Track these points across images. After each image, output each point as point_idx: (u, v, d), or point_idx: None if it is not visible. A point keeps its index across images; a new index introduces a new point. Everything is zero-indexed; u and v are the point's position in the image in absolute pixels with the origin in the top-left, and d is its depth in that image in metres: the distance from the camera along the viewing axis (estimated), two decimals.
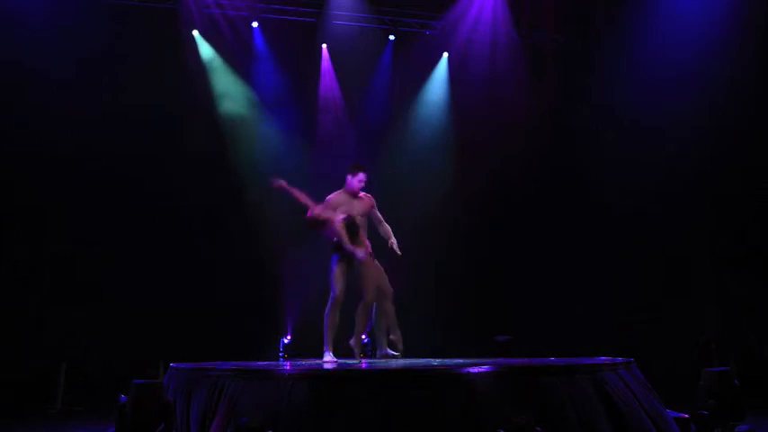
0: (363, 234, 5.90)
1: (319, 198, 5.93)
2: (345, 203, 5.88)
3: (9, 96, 8.53)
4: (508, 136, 10.04)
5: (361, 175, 5.96)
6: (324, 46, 10.27)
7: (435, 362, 5.29)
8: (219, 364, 4.80)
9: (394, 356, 5.92)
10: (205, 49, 9.75)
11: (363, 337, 7.32)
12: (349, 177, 5.97)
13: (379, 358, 5.99)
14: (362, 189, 6.02)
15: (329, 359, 5.65)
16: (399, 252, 5.94)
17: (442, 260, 9.76)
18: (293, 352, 8.84)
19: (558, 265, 9.70)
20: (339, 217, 5.72)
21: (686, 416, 4.57)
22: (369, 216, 6.05)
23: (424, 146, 10.28)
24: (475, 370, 3.77)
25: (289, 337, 9.20)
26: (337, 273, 5.77)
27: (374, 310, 6.00)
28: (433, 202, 9.83)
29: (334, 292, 5.76)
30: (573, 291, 9.42)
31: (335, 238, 5.78)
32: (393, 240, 5.98)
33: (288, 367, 4.48)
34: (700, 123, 9.05)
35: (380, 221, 6.11)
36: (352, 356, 6.01)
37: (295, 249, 9.65)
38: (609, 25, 9.97)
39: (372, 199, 6.10)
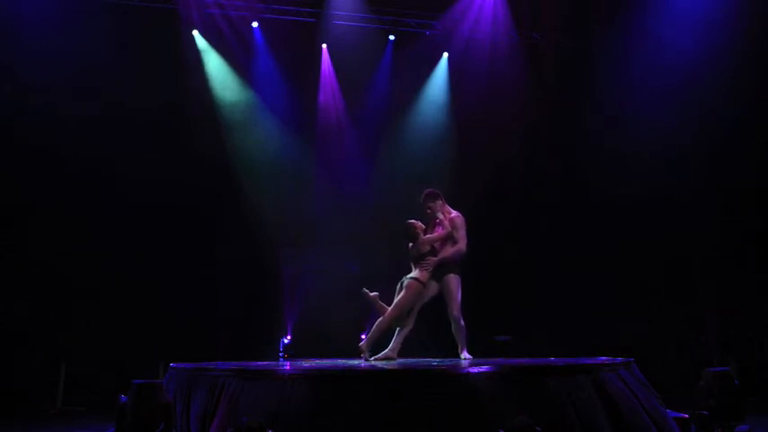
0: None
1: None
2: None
3: (8, 97, 8.52)
4: (508, 136, 10.04)
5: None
6: (324, 46, 10.27)
7: (435, 362, 5.29)
8: (219, 364, 4.80)
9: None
10: (205, 49, 9.75)
11: (363, 337, 7.35)
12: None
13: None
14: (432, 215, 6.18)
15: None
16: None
17: None
18: (293, 352, 8.85)
19: (558, 265, 9.70)
20: None
21: (686, 416, 4.57)
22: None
23: (424, 146, 10.28)
24: (475, 370, 3.76)
25: (289, 337, 9.21)
26: None
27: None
28: None
29: None
30: (573, 291, 9.42)
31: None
32: None
33: (288, 367, 4.49)
34: (700, 124, 9.05)
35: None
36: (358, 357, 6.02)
37: (295, 249, 9.67)
38: (609, 25, 9.96)
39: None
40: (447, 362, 5.20)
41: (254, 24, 9.86)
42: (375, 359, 5.83)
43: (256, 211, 9.36)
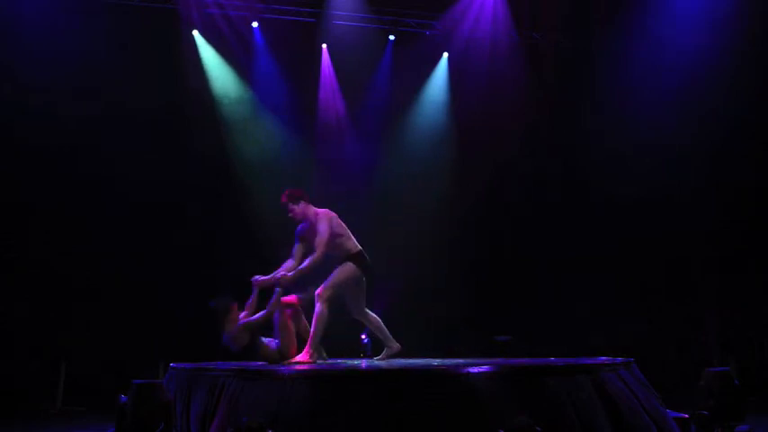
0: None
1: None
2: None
3: (8, 97, 8.51)
4: (508, 136, 10.05)
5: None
6: (324, 46, 10.26)
7: (435, 362, 5.29)
8: (219, 364, 4.81)
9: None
10: (205, 49, 9.75)
11: (363, 337, 7.35)
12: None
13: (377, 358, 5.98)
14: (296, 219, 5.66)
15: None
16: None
17: (442, 260, 9.75)
18: None
19: (558, 265, 9.70)
20: None
21: (686, 416, 4.58)
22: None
23: (424, 146, 10.27)
24: (475, 370, 3.77)
25: None
26: None
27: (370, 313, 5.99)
28: (433, 202, 9.84)
29: None
30: (573, 291, 9.42)
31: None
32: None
33: (288, 367, 4.49)
34: (700, 124, 9.05)
35: None
36: (353, 357, 6.02)
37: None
38: (609, 25, 9.96)
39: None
40: (447, 362, 5.20)
41: (254, 24, 9.85)
42: (378, 359, 5.84)
43: (256, 211, 9.34)
